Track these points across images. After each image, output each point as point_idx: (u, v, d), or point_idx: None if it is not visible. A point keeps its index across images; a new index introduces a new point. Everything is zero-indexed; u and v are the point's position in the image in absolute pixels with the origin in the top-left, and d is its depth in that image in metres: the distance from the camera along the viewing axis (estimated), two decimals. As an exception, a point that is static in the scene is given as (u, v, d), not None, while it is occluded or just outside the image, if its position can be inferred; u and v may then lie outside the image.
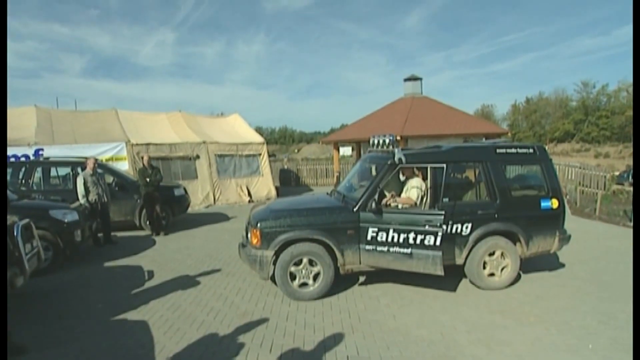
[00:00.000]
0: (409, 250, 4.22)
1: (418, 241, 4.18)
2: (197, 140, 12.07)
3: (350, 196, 4.80)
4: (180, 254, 6.55)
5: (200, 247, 6.96)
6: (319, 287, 4.42)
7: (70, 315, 4.10)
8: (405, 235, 4.21)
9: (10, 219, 3.98)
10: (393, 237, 4.25)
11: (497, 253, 4.69)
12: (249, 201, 12.17)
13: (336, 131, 27.00)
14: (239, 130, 14.16)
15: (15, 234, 3.82)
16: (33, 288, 4.83)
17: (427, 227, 4.14)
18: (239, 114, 15.36)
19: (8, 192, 5.51)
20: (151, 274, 5.42)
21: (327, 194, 5.57)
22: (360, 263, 4.47)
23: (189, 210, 9.75)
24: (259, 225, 4.39)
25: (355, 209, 4.42)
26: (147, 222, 8.17)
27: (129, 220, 8.30)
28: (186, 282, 5.10)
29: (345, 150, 41.68)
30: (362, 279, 5.09)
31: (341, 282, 4.79)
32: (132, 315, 4.08)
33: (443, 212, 4.17)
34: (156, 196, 7.96)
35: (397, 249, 4.25)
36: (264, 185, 13.04)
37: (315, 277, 4.43)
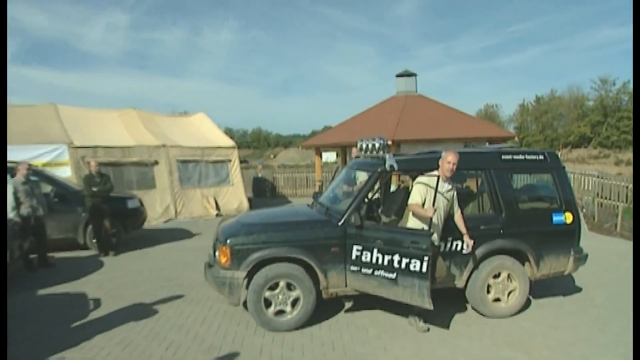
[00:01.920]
0: (393, 275, 4.20)
1: (403, 265, 4.13)
2: (156, 143, 12.03)
3: (334, 208, 4.87)
4: (133, 278, 6.48)
5: (157, 270, 6.91)
6: (298, 315, 4.44)
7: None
8: (390, 257, 4.20)
9: None
10: (377, 258, 4.29)
11: (503, 275, 4.80)
12: (217, 215, 12.16)
13: (318, 134, 27.15)
14: (205, 132, 14.15)
15: None
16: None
17: (411, 249, 4.10)
18: (205, 114, 15.37)
19: None
20: (97, 303, 5.35)
21: (308, 205, 5.64)
22: (346, 286, 4.52)
23: (145, 225, 9.70)
24: (228, 241, 4.40)
25: (340, 223, 4.48)
26: (94, 240, 8.10)
27: (70, 237, 8.21)
28: (140, 311, 5.05)
29: (329, 156, 41.97)
30: (348, 305, 5.14)
31: (324, 308, 4.82)
32: (71, 354, 3.99)
33: (431, 232, 4.10)
34: (105, 209, 7.91)
35: (382, 272, 4.26)
36: (235, 197, 13.02)
37: (293, 304, 4.45)
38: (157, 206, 11.67)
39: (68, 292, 5.79)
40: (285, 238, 4.42)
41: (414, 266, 4.10)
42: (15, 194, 6.62)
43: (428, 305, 4.08)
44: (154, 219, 11.33)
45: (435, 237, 4.34)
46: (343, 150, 19.01)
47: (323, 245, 4.42)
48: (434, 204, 4.15)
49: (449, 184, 4.48)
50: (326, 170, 19.22)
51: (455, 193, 4.54)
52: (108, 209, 7.95)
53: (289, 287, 4.42)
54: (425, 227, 4.23)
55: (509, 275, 4.81)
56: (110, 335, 4.39)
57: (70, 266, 7.17)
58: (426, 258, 4.05)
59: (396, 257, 4.17)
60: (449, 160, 4.35)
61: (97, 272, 6.84)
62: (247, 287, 4.46)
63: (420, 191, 4.37)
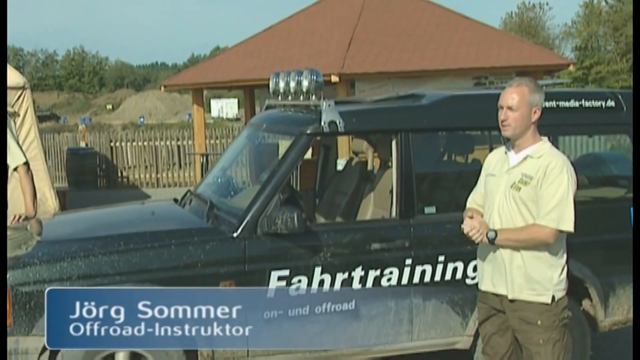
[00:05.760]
0: (352, 305, 4.47)
1: (369, 281, 4.47)
2: None
3: (226, 205, 5.02)
4: None
5: None
6: None
7: None
8: (346, 274, 4.47)
9: None
10: (322, 282, 4.47)
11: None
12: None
13: (200, 62, 26.63)
14: None
15: None
16: None
17: (382, 252, 4.50)
18: None
19: None
20: None
21: (175, 202, 5.79)
22: (247, 354, 4.55)
23: None
24: (8, 278, 4.22)
25: (237, 232, 4.51)
26: None
27: None
28: None
29: (224, 107, 41.65)
30: None
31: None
32: None
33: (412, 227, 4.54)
34: None
35: (329, 305, 4.47)
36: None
37: None
38: None
39: None
40: (128, 266, 4.39)
41: (389, 278, 4.36)
42: None
43: (410, 341, 4.46)
44: None
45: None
46: (249, 94, 18.91)
47: (205, 277, 4.41)
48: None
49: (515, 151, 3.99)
50: (219, 135, 19.12)
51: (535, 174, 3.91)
52: None
53: None
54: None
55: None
56: None
57: None
58: (408, 262, 4.36)
59: (357, 272, 4.43)
60: (501, 103, 3.90)
61: None
62: None
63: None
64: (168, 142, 19.00)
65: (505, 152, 3.89)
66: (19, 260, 4.42)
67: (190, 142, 18.72)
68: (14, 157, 5.47)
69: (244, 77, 16.31)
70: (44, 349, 4.24)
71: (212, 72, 18.24)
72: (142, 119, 45.57)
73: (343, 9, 17.22)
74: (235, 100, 46.60)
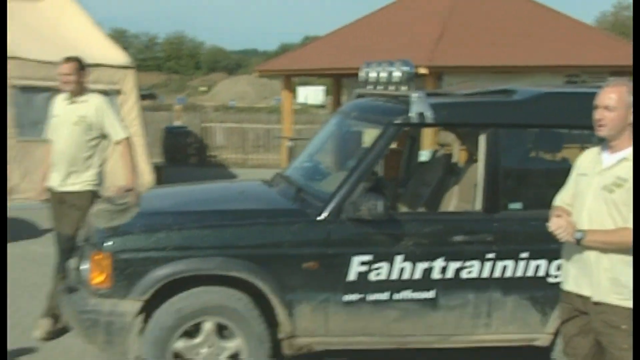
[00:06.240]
0: (431, 294, 4.56)
1: (449, 273, 4.52)
2: None
3: (313, 189, 5.10)
4: None
5: None
6: None
7: None
8: (427, 264, 4.53)
9: None
10: (403, 271, 4.53)
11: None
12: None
13: (291, 51, 26.79)
14: (71, 32, 14.02)
15: None
16: None
17: (468, 246, 4.53)
18: None
19: None
20: None
21: (264, 182, 5.81)
22: (325, 334, 4.65)
23: None
24: (108, 244, 4.45)
25: (323, 216, 4.58)
26: None
27: None
28: None
29: (311, 94, 41.85)
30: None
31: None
32: None
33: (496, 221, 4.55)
34: None
35: (409, 293, 4.56)
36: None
37: None
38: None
39: None
40: (218, 241, 4.52)
41: (470, 271, 4.42)
42: None
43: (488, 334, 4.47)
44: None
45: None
46: (337, 82, 18.99)
47: (289, 257, 4.53)
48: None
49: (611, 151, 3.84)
50: (304, 121, 19.29)
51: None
52: None
53: (222, 332, 4.51)
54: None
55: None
56: None
57: None
58: (490, 256, 4.39)
59: (438, 263, 4.49)
60: (597, 102, 3.78)
61: None
62: (141, 333, 4.54)
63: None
64: (258, 126, 19.34)
65: (599, 153, 3.78)
66: (119, 229, 4.64)
67: (279, 126, 18.82)
68: (116, 132, 5.73)
69: (333, 66, 16.45)
70: (139, 311, 4.45)
71: (302, 60, 18.51)
72: (233, 102, 46.46)
73: (434, 3, 17.09)
74: (321, 88, 46.76)
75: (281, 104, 19.77)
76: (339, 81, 18.73)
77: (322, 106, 42.56)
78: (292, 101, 18.63)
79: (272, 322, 4.57)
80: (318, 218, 4.58)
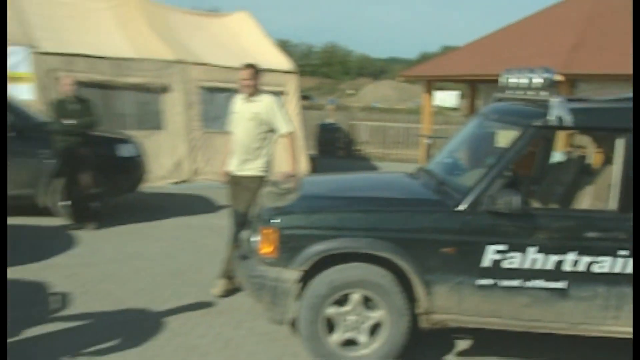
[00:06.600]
0: (562, 284, 4.77)
1: (581, 267, 4.70)
2: (168, 57, 12.67)
3: (453, 182, 5.34)
4: (122, 266, 7.13)
5: (161, 257, 7.58)
6: (379, 351, 4.93)
7: None
8: (559, 257, 4.75)
9: None
10: (535, 262, 4.78)
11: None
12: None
13: (431, 59, 26.91)
14: (247, 43, 14.84)
15: None
16: None
17: (601, 242, 4.69)
18: (250, 14, 16.01)
19: None
20: (64, 300, 5.94)
21: (408, 175, 6.17)
22: (459, 312, 4.97)
23: (145, 187, 10.34)
24: (276, 221, 4.98)
25: (462, 207, 4.89)
26: (64, 203, 8.71)
27: (25, 195, 8.70)
28: (130, 320, 5.64)
29: (447, 98, 41.59)
30: (462, 344, 5.61)
31: (419, 345, 5.26)
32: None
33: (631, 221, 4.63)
34: (84, 154, 8.51)
35: (540, 282, 4.79)
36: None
37: (373, 331, 4.96)
38: (165, 158, 12.39)
39: (21, 280, 6.33)
40: (367, 223, 4.90)
41: (602, 266, 4.63)
42: None
43: (617, 326, 4.65)
44: (160, 177, 12.06)
45: None
46: (472, 88, 19.11)
47: (429, 242, 4.85)
48: None
49: None
50: (440, 122, 19.49)
51: None
52: (90, 155, 8.51)
53: (368, 303, 4.90)
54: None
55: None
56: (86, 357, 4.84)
57: (28, 240, 7.79)
58: (622, 253, 4.57)
59: (570, 256, 4.71)
60: None
61: (68, 253, 7.47)
62: (299, 297, 4.94)
63: None
64: (398, 125, 19.85)
65: None
66: (284, 209, 5.16)
67: (417, 125, 19.27)
68: (283, 127, 6.43)
69: (471, 73, 16.53)
70: (298, 280, 4.91)
71: (443, 66, 18.81)
72: (376, 103, 47.71)
73: (571, 13, 16.75)
74: (455, 93, 46.78)
75: (421, 106, 20.17)
76: (474, 86, 18.89)
77: (455, 109, 42.76)
78: (431, 104, 18.96)
79: (411, 298, 4.88)
80: (457, 208, 4.85)
